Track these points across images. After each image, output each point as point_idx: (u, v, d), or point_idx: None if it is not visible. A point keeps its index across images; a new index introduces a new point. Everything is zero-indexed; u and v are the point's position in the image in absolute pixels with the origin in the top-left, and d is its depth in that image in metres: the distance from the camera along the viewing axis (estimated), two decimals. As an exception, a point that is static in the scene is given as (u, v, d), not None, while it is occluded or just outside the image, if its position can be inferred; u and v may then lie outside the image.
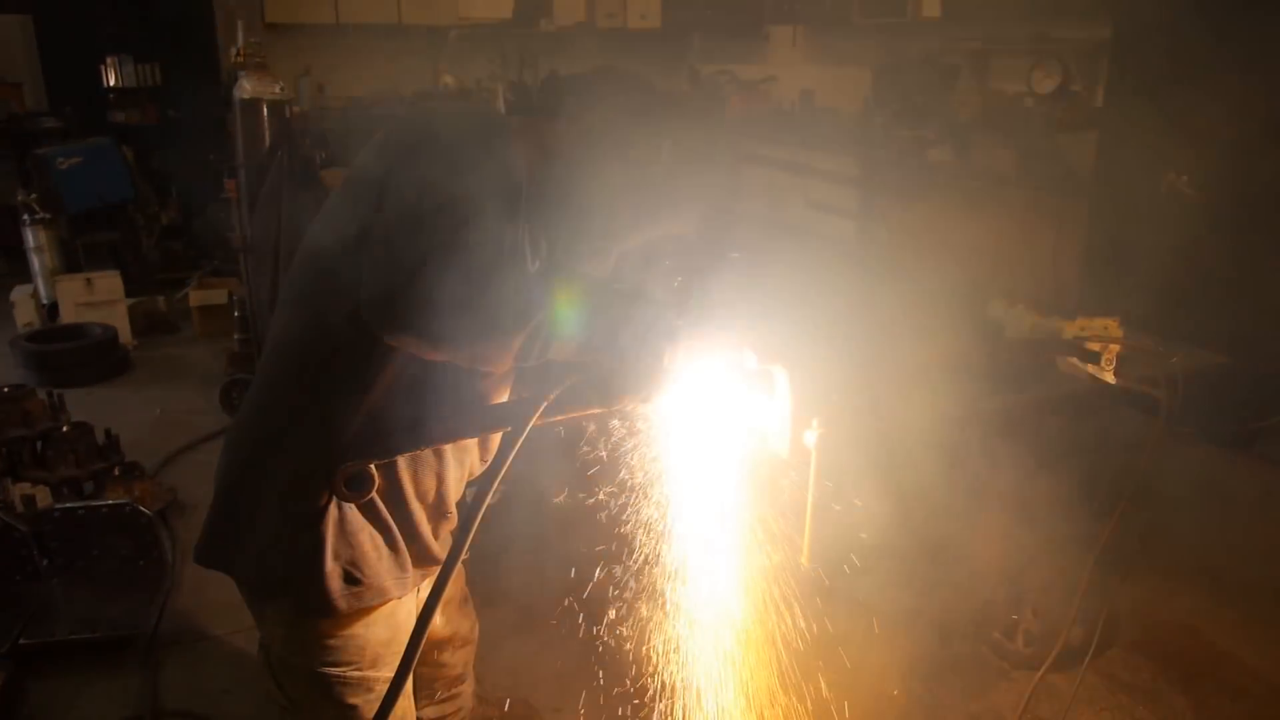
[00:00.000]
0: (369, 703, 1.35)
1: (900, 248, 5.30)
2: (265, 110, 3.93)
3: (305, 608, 1.30)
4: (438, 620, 1.62)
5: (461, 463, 1.43)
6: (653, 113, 1.34)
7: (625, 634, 1.97)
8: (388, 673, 1.34)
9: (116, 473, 3.17)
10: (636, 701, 2.30)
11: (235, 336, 4.51)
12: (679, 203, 1.36)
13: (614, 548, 1.75)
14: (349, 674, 1.34)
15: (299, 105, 7.74)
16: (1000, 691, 2.34)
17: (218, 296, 5.27)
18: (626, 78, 1.38)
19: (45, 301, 5.10)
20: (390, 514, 1.33)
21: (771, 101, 7.72)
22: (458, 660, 1.78)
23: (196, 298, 5.34)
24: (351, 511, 1.29)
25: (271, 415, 1.35)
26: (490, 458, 1.47)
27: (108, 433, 3.29)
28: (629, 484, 1.59)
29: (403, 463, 1.32)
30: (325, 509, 1.27)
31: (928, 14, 5.63)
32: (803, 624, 2.38)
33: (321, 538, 1.27)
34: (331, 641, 1.32)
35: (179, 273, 6.29)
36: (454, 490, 1.43)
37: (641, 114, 1.32)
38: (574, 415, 1.26)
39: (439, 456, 1.36)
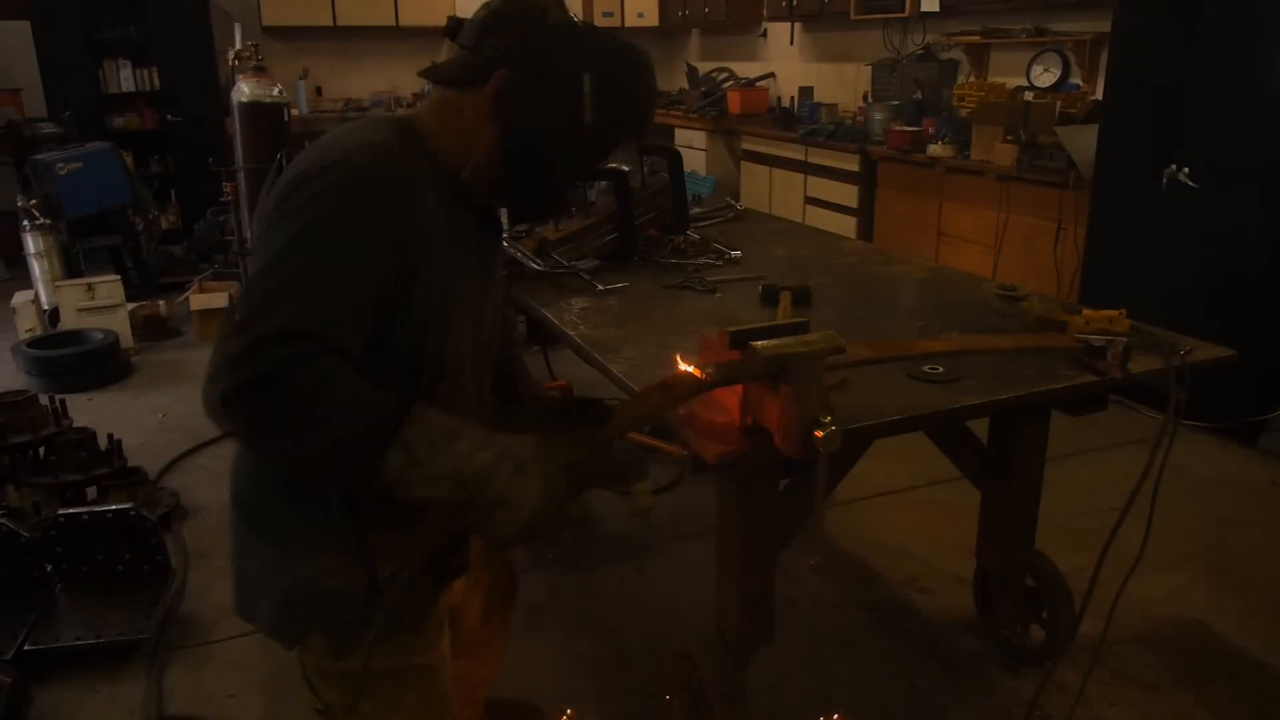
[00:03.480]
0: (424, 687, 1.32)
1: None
2: (264, 113, 3.92)
3: (339, 651, 1.25)
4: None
5: None
6: (571, 53, 1.21)
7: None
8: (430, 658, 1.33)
9: (119, 478, 3.16)
10: (646, 702, 2.30)
11: (236, 340, 4.50)
12: (611, 144, 1.28)
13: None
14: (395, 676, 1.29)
15: (297, 107, 7.76)
16: (1008, 688, 2.33)
17: (218, 300, 5.27)
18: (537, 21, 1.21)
19: (46, 307, 5.10)
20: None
21: (770, 98, 7.71)
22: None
23: (197, 301, 5.34)
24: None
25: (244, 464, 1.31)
26: None
27: (110, 438, 3.28)
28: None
29: None
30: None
31: (926, 8, 5.62)
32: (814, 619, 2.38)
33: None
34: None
35: (179, 276, 6.29)
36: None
37: (560, 58, 1.20)
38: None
39: None
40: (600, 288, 2.45)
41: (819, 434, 1.34)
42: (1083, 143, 4.32)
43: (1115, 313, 1.89)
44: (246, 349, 0.97)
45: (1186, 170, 3.74)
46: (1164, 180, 3.81)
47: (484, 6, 1.23)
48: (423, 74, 1.26)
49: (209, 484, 3.52)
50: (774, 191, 6.88)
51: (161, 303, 5.60)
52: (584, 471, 1.11)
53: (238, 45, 4.17)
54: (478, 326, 1.31)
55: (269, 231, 1.08)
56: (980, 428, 2.20)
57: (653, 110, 1.30)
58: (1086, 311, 1.91)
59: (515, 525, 1.05)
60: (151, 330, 5.35)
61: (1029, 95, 5.13)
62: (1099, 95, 4.54)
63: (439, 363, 1.21)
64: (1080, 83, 5.01)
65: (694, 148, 7.67)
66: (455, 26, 1.25)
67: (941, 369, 1.79)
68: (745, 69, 8.22)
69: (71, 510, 2.71)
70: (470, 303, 1.27)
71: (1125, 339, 1.74)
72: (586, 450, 1.13)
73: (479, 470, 1.03)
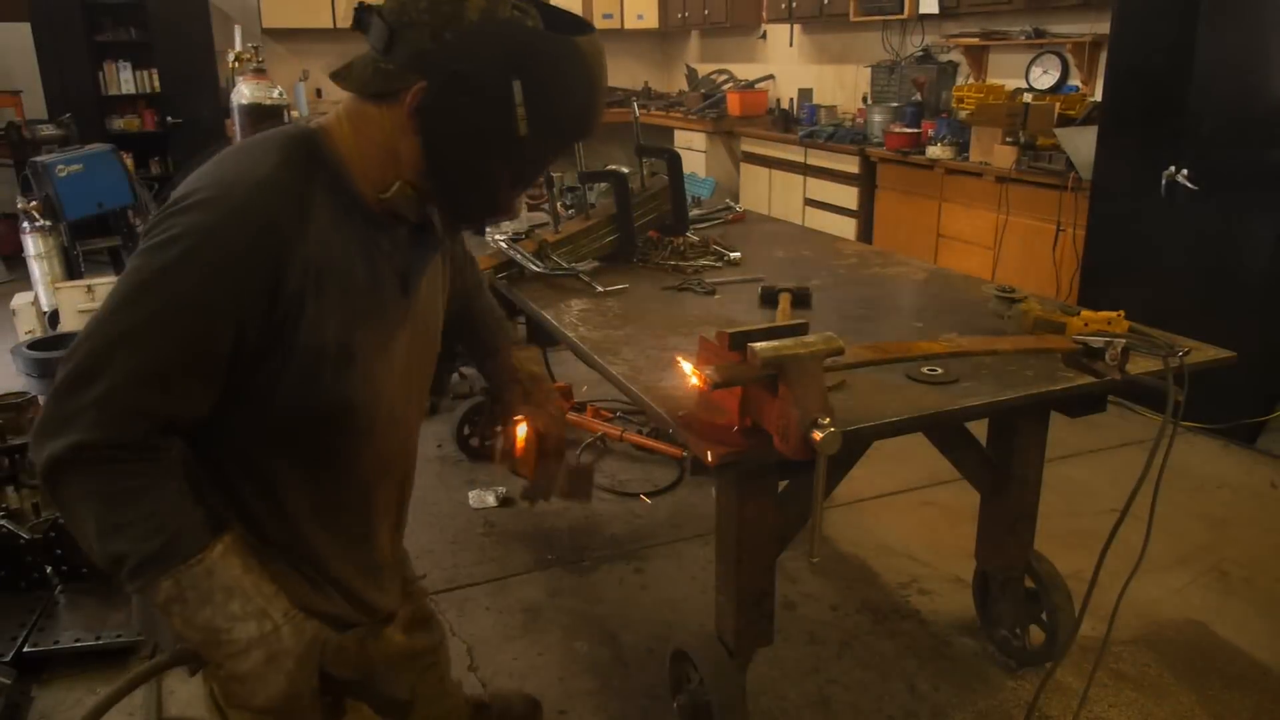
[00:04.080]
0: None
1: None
2: (264, 115, 3.93)
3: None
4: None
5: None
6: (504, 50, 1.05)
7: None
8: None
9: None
10: (645, 703, 2.31)
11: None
12: (552, 152, 1.15)
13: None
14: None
15: (297, 109, 7.76)
16: (1007, 690, 2.33)
17: (218, 302, 5.27)
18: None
19: (46, 309, 5.10)
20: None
21: (769, 100, 7.72)
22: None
23: (197, 303, 5.33)
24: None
25: None
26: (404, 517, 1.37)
27: (110, 439, 3.28)
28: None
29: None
30: None
31: (925, 10, 5.63)
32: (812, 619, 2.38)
33: None
34: None
35: (179, 278, 6.29)
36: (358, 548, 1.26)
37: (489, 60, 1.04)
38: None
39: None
40: (599, 289, 2.45)
41: (818, 435, 1.35)
42: (1082, 144, 4.32)
43: (1114, 314, 1.90)
44: (47, 428, 0.96)
45: (1185, 172, 3.74)
46: (1163, 182, 3.81)
47: None
48: (333, 78, 1.11)
49: (209, 486, 3.51)
50: (773, 193, 6.89)
51: (161, 304, 5.59)
52: (348, 686, 1.08)
53: (238, 47, 4.17)
54: (404, 352, 1.21)
55: (131, 259, 1.00)
56: (979, 429, 2.20)
57: (597, 111, 1.12)
58: (1085, 313, 1.92)
59: (247, 702, 1.02)
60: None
61: (1028, 97, 5.14)
62: (1098, 97, 4.54)
63: (340, 403, 1.11)
64: (1079, 84, 5.01)
65: (693, 149, 7.68)
66: (363, 18, 1.09)
67: (940, 370, 1.79)
68: (745, 71, 8.23)
69: (71, 512, 2.70)
70: (384, 333, 1.16)
71: (1124, 340, 1.74)
72: (358, 668, 1.09)
73: (234, 640, 1.00)
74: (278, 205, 1.01)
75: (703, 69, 8.74)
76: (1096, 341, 1.75)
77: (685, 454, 3.57)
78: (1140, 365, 1.78)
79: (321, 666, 1.05)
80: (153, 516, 0.97)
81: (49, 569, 2.67)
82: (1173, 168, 3.78)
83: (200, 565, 0.99)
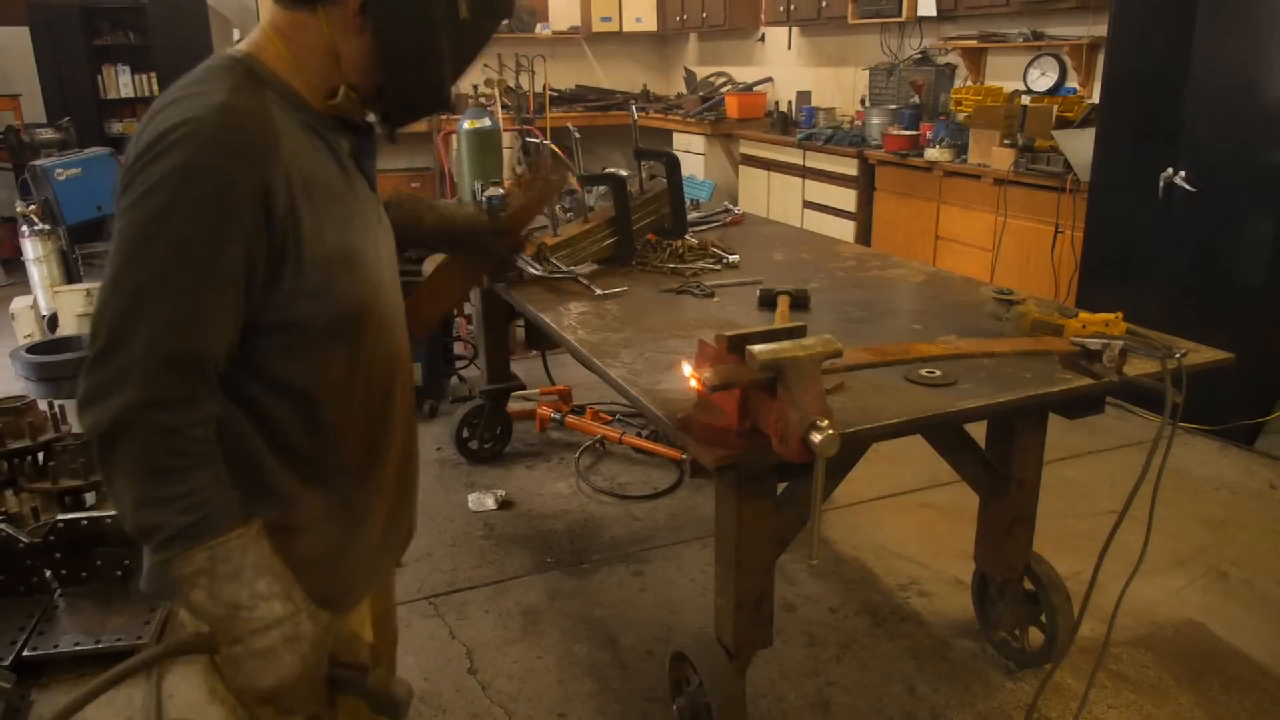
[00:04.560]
0: None
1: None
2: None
3: None
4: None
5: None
6: None
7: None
8: None
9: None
10: (645, 705, 2.31)
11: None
12: (488, 33, 1.21)
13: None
14: None
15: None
16: (1007, 691, 2.33)
17: (217, 305, 5.27)
18: None
19: (45, 312, 5.10)
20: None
21: (768, 102, 7.73)
22: None
23: (196, 307, 5.33)
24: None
25: None
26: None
27: (109, 443, 3.28)
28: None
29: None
30: None
31: (923, 13, 5.64)
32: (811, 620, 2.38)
33: None
34: None
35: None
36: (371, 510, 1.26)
37: None
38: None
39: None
40: (598, 292, 2.46)
41: (816, 437, 1.35)
42: (1080, 146, 4.33)
43: (1112, 316, 1.90)
44: (89, 397, 0.98)
45: (1183, 174, 3.75)
46: (1161, 183, 3.82)
47: None
48: None
49: (208, 489, 3.52)
50: (772, 196, 6.90)
51: (160, 308, 5.60)
52: (347, 679, 1.09)
53: (236, 51, 4.18)
54: (380, 247, 1.22)
55: (120, 220, 1.00)
56: (978, 431, 2.20)
57: None
58: (1083, 315, 1.92)
59: (255, 685, 1.03)
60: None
61: (1026, 99, 5.15)
62: (1096, 99, 4.55)
63: (356, 305, 1.13)
64: (1077, 87, 5.02)
65: (692, 152, 7.69)
66: None
67: (939, 373, 1.80)
68: (743, 73, 8.24)
69: (70, 515, 2.70)
70: (368, 231, 1.18)
71: (1121, 342, 1.75)
72: (362, 662, 1.11)
73: (257, 618, 1.01)
74: (249, 127, 1.02)
75: (701, 72, 8.75)
76: (1094, 343, 1.75)
77: (684, 456, 3.57)
78: (1138, 367, 1.79)
79: (331, 655, 1.07)
80: (193, 494, 0.99)
81: (48, 573, 2.66)
82: (1170, 169, 3.79)
83: (236, 540, 1.01)
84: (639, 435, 3.69)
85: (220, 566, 1.00)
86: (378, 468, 1.25)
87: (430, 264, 1.77)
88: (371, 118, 1.22)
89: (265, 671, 1.03)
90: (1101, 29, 4.49)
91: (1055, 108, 4.82)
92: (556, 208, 2.92)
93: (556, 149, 1.80)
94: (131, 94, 7.60)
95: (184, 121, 0.99)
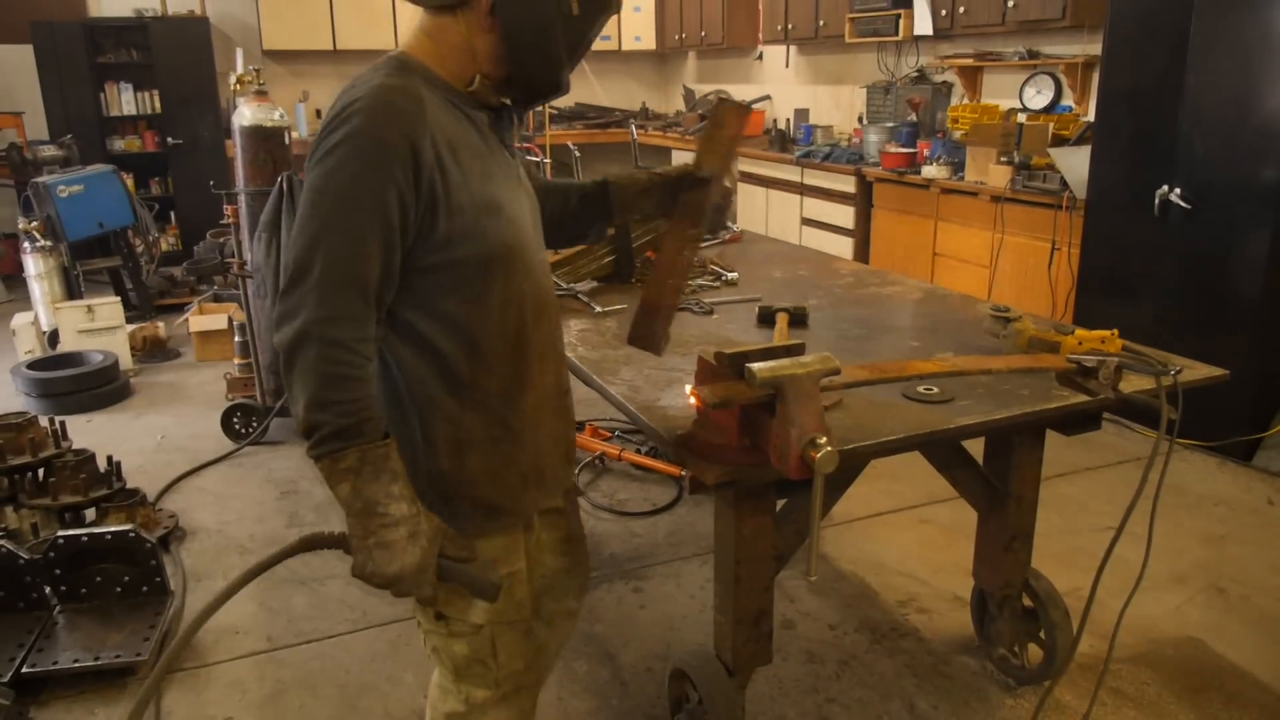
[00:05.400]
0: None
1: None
2: (265, 137, 3.96)
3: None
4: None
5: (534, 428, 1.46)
6: None
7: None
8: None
9: (118, 499, 3.17)
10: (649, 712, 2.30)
11: (235, 361, 4.52)
12: (597, 25, 1.40)
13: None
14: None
15: (297, 130, 7.81)
16: (1006, 708, 2.33)
17: (218, 322, 5.29)
18: None
19: (46, 329, 5.12)
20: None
21: (766, 120, 7.78)
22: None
23: (196, 323, 5.36)
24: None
25: None
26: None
27: (109, 459, 3.29)
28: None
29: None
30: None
31: (919, 32, 5.69)
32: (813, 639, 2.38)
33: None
34: None
35: (178, 298, 6.32)
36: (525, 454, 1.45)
37: None
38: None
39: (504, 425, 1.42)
40: (598, 309, 2.47)
41: (815, 454, 1.36)
42: (1076, 164, 4.36)
43: (1108, 333, 1.92)
44: (280, 319, 1.22)
45: (1178, 191, 3.78)
46: (1156, 200, 3.85)
47: None
48: (415, 1, 1.36)
49: (207, 506, 3.52)
50: (770, 213, 6.93)
51: (160, 324, 5.62)
52: (452, 568, 1.29)
53: (240, 69, 4.21)
54: (522, 200, 1.43)
55: (306, 181, 1.25)
56: (976, 448, 2.21)
57: None
58: (1080, 332, 1.94)
59: (381, 571, 1.23)
60: (151, 352, 5.37)
61: (1022, 117, 5.19)
62: (1091, 117, 4.59)
63: (504, 246, 1.34)
64: (1073, 104, 5.06)
65: (691, 169, 7.71)
66: None
67: (936, 390, 1.81)
68: (741, 91, 8.29)
69: (70, 532, 2.71)
70: (510, 190, 1.39)
71: (1117, 359, 1.76)
72: (464, 555, 1.30)
73: (390, 514, 1.22)
74: (399, 100, 1.25)
75: (700, 89, 8.81)
76: (1090, 360, 1.76)
77: (683, 473, 3.58)
78: (1134, 384, 1.80)
79: (440, 550, 1.27)
80: (355, 402, 1.20)
81: (48, 589, 2.67)
82: (1166, 186, 3.82)
83: (382, 449, 1.22)
84: (638, 452, 3.70)
85: (367, 468, 1.21)
86: (530, 393, 1.43)
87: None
88: (506, 101, 1.43)
89: (390, 560, 1.22)
90: (1096, 48, 4.54)
91: (1051, 125, 4.86)
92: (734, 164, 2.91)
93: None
94: (134, 111, 7.63)
95: (352, 101, 1.24)
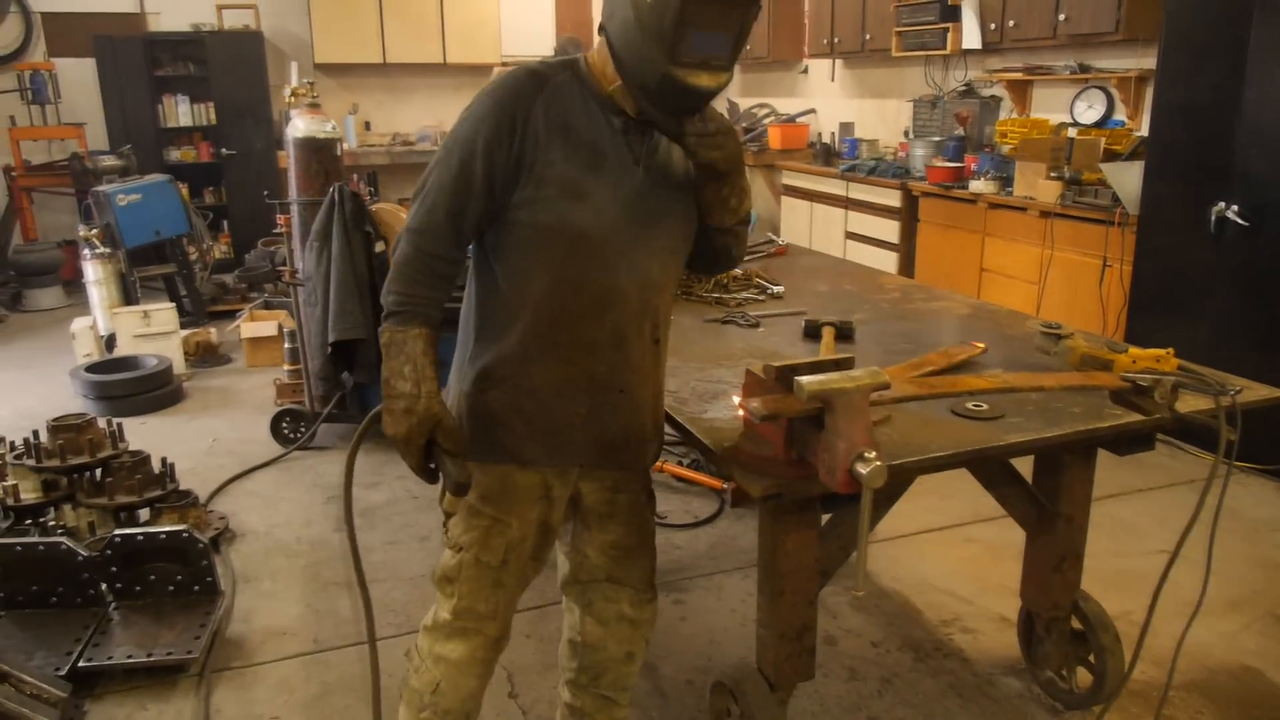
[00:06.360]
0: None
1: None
2: (318, 148, 4.05)
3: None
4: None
5: (571, 369, 1.61)
6: None
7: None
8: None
9: (171, 500, 3.24)
10: (682, 735, 2.29)
11: (284, 367, 4.62)
12: (681, 29, 1.48)
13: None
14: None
15: (346, 142, 7.97)
16: (1053, 731, 2.29)
17: (268, 328, 5.40)
18: None
19: (104, 333, 5.26)
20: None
21: (811, 133, 7.76)
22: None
23: (247, 329, 5.47)
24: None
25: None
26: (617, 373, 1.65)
27: (163, 461, 3.37)
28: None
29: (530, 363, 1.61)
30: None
31: (968, 45, 5.64)
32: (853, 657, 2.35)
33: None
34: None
35: (230, 305, 6.46)
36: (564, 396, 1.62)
37: None
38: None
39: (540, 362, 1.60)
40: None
41: (863, 469, 1.36)
42: (1128, 179, 4.29)
43: (1163, 352, 1.88)
44: (403, 230, 1.56)
45: (1235, 208, 3.70)
46: (1212, 217, 3.77)
47: None
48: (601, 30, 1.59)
49: (257, 509, 3.59)
50: (814, 227, 6.91)
51: (213, 330, 5.75)
52: (437, 453, 1.51)
53: (294, 82, 4.31)
54: (626, 204, 1.55)
55: None
56: (1025, 466, 2.18)
57: None
58: (1133, 350, 1.91)
59: (387, 429, 1.51)
60: (203, 357, 5.49)
61: (1073, 132, 5.12)
62: (1144, 132, 4.52)
63: (574, 228, 1.52)
64: (1125, 119, 4.99)
65: (734, 182, 7.71)
66: None
67: (986, 406, 1.79)
68: (786, 105, 8.28)
69: (127, 531, 2.78)
70: (615, 187, 1.54)
71: (1173, 378, 1.73)
72: (449, 447, 1.51)
73: (396, 388, 1.50)
74: (523, 76, 1.54)
75: (744, 103, 8.82)
76: (1145, 379, 1.73)
77: (725, 485, 3.58)
78: (1190, 404, 1.76)
79: (432, 433, 1.50)
80: (408, 294, 1.52)
81: (104, 586, 2.74)
82: (1222, 203, 3.74)
83: (401, 333, 1.51)
84: (679, 464, 3.70)
85: (391, 347, 1.52)
86: (560, 368, 1.59)
87: None
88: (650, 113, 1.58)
89: (390, 424, 1.50)
90: (1150, 62, 4.46)
91: (1102, 140, 4.79)
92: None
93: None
94: (190, 123, 7.85)
95: (506, 74, 1.56)
